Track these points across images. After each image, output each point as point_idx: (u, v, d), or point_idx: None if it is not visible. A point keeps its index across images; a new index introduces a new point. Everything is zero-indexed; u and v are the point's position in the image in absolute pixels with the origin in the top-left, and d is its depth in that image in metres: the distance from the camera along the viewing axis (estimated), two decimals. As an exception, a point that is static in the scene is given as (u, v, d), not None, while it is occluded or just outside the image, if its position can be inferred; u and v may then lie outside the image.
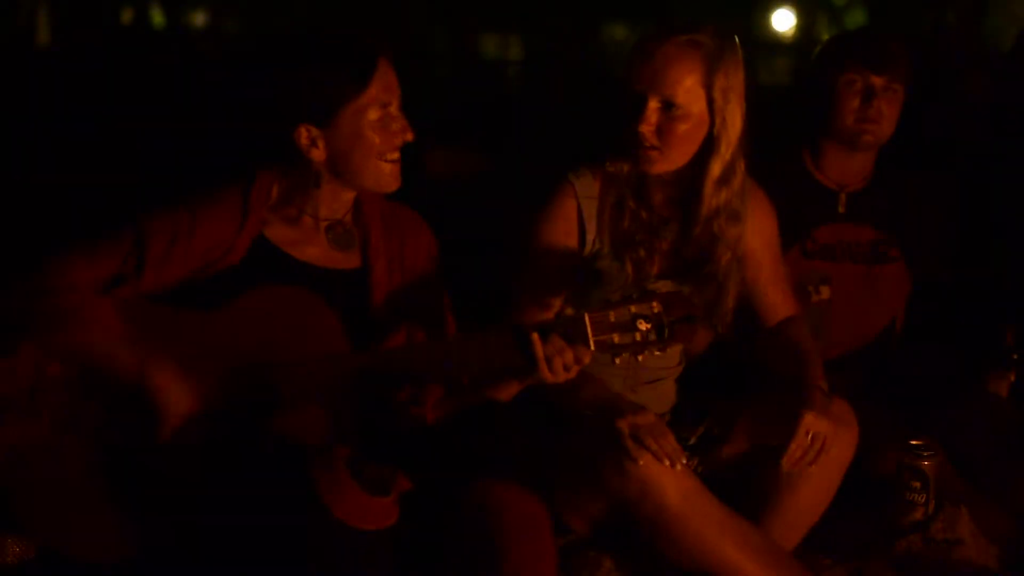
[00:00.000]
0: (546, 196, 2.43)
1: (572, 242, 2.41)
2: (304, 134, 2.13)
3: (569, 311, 2.04)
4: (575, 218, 2.41)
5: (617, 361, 2.05)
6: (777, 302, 2.56)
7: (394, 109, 2.16)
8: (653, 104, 2.30)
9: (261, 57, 2.18)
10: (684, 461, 2.21)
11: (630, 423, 2.21)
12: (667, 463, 2.19)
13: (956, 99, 3.64)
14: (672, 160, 2.35)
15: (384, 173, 2.18)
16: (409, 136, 2.17)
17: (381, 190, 2.22)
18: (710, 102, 2.31)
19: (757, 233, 2.51)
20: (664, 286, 2.38)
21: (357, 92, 2.11)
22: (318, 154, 2.15)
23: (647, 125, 2.30)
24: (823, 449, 2.29)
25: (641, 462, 2.19)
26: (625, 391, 2.44)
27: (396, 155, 2.18)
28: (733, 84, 2.32)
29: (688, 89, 2.29)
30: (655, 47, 2.30)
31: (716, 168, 2.36)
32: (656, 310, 2.02)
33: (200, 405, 2.03)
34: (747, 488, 2.43)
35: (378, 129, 2.14)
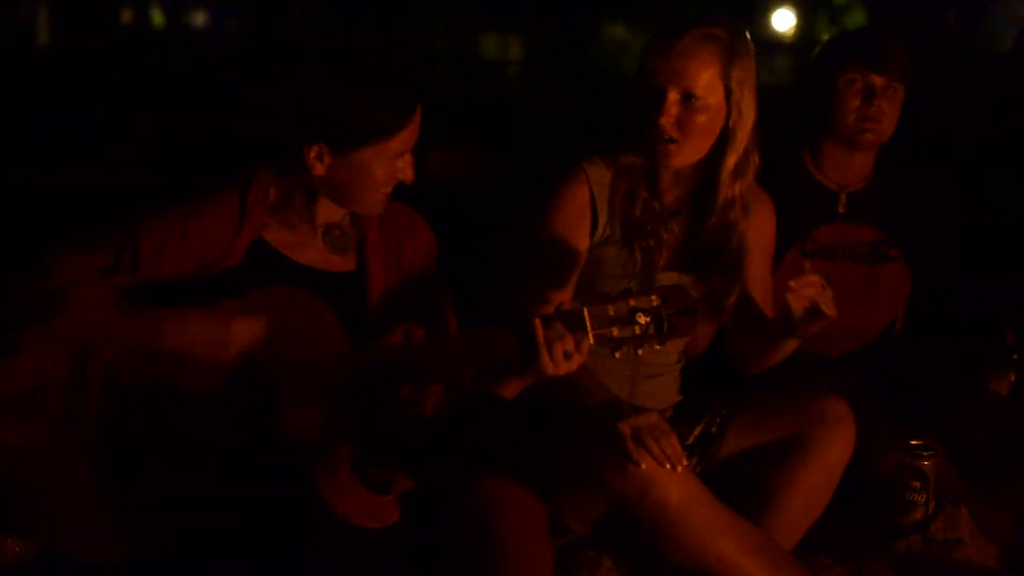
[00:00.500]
0: (558, 182, 2.45)
1: (583, 227, 2.43)
2: (315, 151, 2.11)
3: (567, 306, 2.04)
4: (587, 203, 2.43)
5: (617, 355, 2.05)
6: (757, 301, 2.56)
7: (408, 153, 2.16)
8: (673, 96, 2.32)
9: (296, 64, 2.13)
10: (685, 463, 2.21)
11: (632, 425, 2.21)
12: (667, 467, 2.19)
13: (956, 99, 3.65)
14: (690, 153, 2.37)
15: (376, 202, 2.18)
16: (410, 177, 2.16)
17: (365, 214, 2.22)
18: (728, 93, 2.35)
19: (757, 231, 2.54)
20: (668, 279, 2.39)
21: (388, 137, 2.10)
22: (319, 169, 2.13)
23: (667, 116, 2.33)
24: (829, 303, 2.23)
25: (644, 465, 2.20)
26: (626, 387, 2.45)
27: (391, 188, 2.18)
28: (747, 76, 2.37)
29: (707, 81, 2.33)
30: (672, 42, 2.33)
31: (732, 159, 2.39)
32: (655, 303, 2.02)
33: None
34: (747, 488, 2.43)
35: (386, 166, 2.13)
